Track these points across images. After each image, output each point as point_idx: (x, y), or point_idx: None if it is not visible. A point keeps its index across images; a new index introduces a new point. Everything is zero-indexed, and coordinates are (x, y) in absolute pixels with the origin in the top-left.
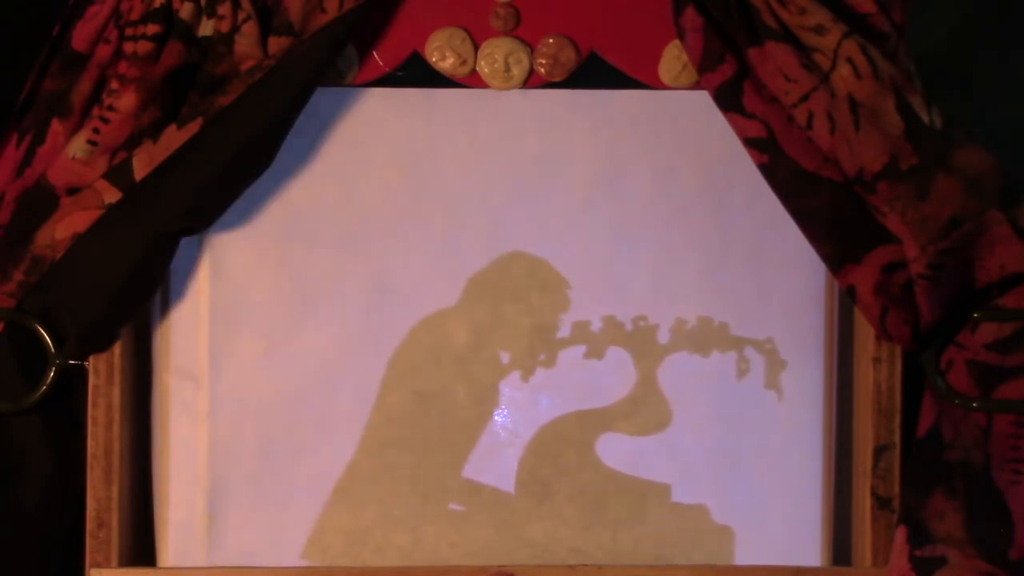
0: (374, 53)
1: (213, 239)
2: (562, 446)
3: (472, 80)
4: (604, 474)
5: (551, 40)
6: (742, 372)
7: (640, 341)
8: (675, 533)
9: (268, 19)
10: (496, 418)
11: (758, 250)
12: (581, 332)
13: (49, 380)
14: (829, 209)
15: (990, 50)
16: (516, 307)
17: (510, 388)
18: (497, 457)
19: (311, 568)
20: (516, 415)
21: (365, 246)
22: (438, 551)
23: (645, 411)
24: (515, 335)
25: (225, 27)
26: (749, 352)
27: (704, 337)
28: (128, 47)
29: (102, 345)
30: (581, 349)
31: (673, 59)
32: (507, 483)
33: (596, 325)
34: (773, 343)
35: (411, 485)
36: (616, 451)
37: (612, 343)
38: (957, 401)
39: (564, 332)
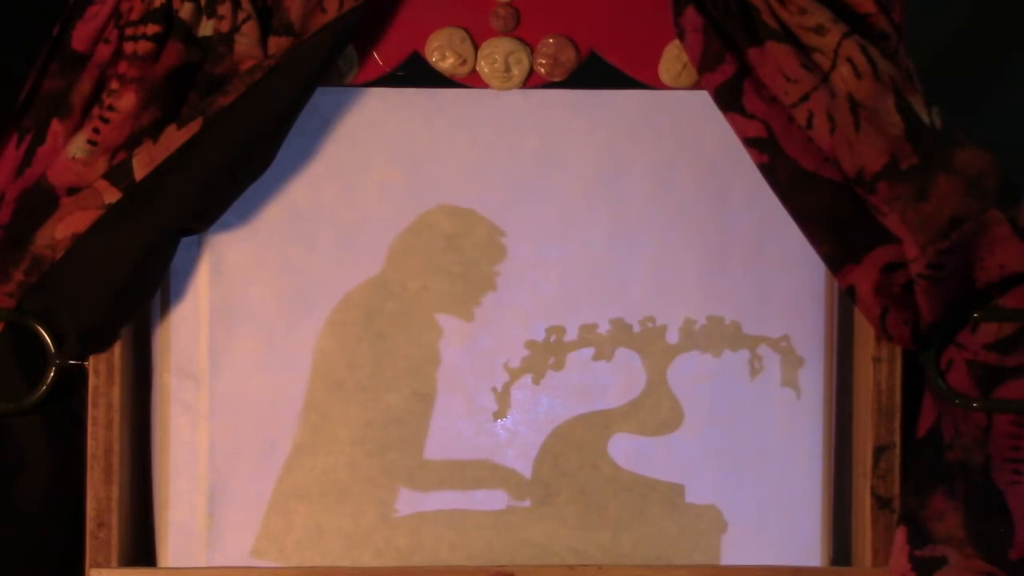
0: (374, 53)
1: (213, 239)
2: (577, 448)
3: (472, 80)
4: (620, 476)
5: (551, 40)
6: (755, 371)
7: (648, 342)
8: (676, 533)
9: (268, 19)
10: (506, 422)
11: (758, 250)
12: (589, 334)
13: (49, 380)
14: (829, 209)
15: (990, 50)
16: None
17: (520, 391)
18: (509, 461)
19: (311, 568)
20: (527, 418)
21: (365, 246)
22: (438, 552)
23: (656, 412)
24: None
25: (225, 27)
26: (763, 350)
27: (715, 337)
28: (128, 47)
29: (102, 345)
30: (590, 351)
31: (673, 59)
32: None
33: (604, 327)
34: (789, 340)
35: (410, 485)
36: (630, 452)
37: (620, 345)
38: (957, 401)
39: (572, 335)
